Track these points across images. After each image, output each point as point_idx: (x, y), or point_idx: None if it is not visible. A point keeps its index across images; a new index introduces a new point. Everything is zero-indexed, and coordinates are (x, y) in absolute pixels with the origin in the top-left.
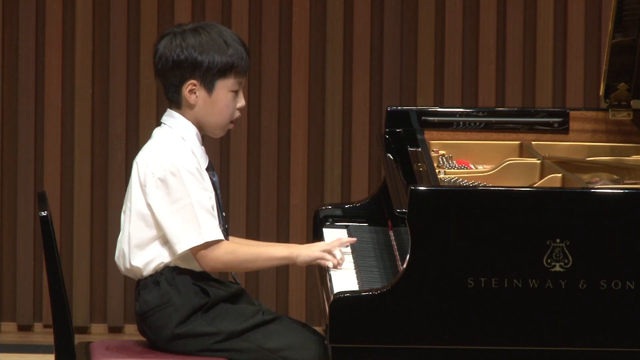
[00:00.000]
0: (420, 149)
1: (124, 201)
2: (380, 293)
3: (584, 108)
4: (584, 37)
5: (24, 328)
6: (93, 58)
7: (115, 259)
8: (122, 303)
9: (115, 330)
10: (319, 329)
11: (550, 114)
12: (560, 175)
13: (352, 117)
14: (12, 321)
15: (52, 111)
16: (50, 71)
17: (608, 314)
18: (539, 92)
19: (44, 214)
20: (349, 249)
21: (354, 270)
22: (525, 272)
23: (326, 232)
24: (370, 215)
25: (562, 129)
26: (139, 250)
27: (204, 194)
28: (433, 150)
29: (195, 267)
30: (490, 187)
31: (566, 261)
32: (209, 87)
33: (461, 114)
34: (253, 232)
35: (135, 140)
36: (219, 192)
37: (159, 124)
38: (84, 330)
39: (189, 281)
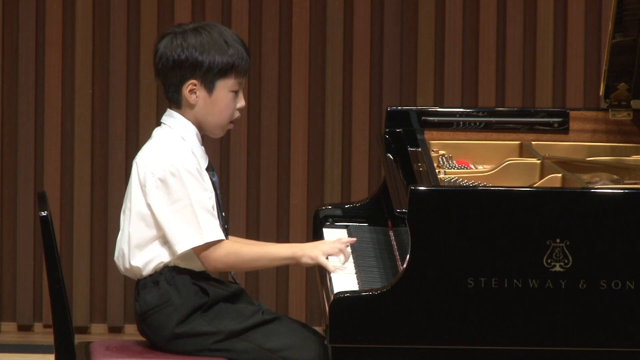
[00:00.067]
0: (420, 149)
1: (124, 201)
2: (380, 293)
3: (584, 108)
4: (584, 37)
5: (24, 328)
6: (93, 58)
7: (115, 258)
8: (122, 303)
9: (115, 330)
10: (319, 329)
11: (550, 114)
12: (560, 175)
13: (352, 117)
14: (12, 321)
15: (52, 111)
16: (50, 71)
17: (608, 314)
18: (539, 92)
19: (44, 214)
20: (349, 249)
21: (354, 270)
22: (525, 272)
23: (326, 232)
24: (370, 215)
25: (562, 129)
26: (139, 250)
27: (204, 194)
28: (433, 150)
29: (195, 267)
30: (490, 187)
31: (566, 261)
32: (209, 87)
33: (461, 114)
34: (253, 232)
35: (135, 140)
36: (218, 192)
37: (159, 124)
38: (84, 330)
39: (189, 281)
